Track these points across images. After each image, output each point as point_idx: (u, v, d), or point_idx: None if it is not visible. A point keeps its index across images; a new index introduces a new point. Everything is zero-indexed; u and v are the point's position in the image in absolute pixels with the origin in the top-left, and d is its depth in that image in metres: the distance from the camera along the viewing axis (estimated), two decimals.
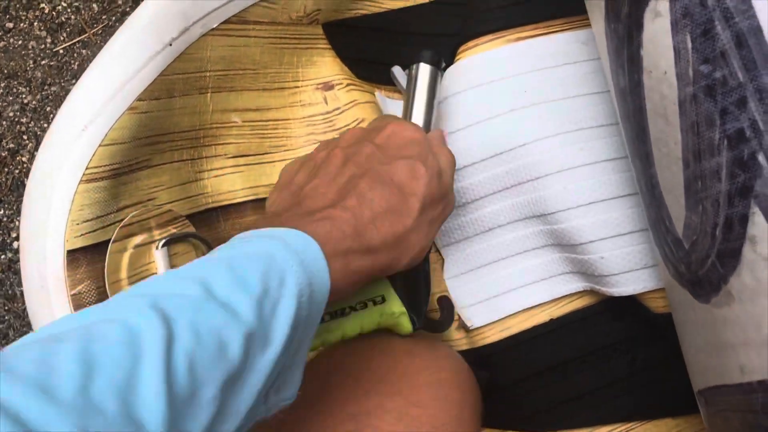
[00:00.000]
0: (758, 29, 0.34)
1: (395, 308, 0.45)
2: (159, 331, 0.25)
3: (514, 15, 0.56)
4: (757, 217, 0.35)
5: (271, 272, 0.30)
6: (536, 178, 0.53)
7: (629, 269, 0.52)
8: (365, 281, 0.38)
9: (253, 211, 0.54)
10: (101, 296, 0.44)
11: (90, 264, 0.43)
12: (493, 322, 0.56)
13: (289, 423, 0.41)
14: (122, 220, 0.45)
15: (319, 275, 0.33)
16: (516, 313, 0.56)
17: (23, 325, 0.75)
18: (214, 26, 0.50)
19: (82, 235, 0.43)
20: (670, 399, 0.54)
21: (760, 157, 0.34)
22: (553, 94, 0.55)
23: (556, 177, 0.53)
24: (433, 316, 0.54)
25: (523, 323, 0.56)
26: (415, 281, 0.47)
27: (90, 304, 0.44)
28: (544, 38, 0.56)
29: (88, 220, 0.43)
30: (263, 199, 0.54)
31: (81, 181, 0.43)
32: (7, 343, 0.75)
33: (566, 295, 0.56)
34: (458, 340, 0.55)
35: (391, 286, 0.45)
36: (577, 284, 0.55)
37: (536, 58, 0.56)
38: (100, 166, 0.43)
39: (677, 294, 0.44)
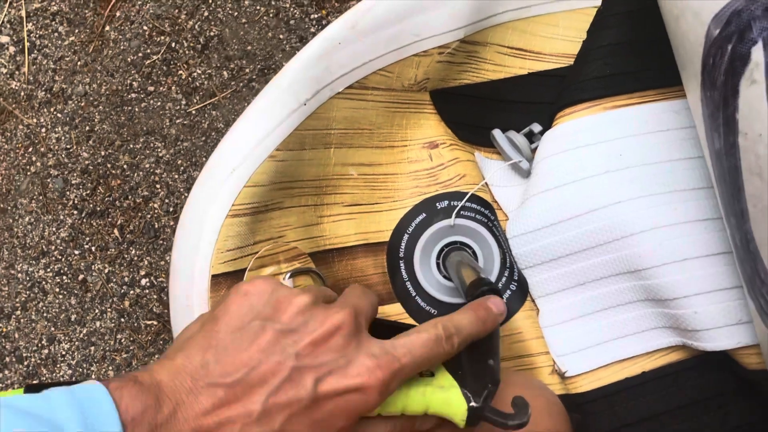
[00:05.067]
0: None
1: (444, 381, 0.38)
2: None
3: (611, 85, 0.60)
4: None
5: None
6: (631, 234, 0.56)
7: (723, 324, 0.54)
8: None
9: (363, 254, 0.59)
10: None
11: (229, 288, 0.49)
12: (587, 372, 0.58)
13: None
14: (257, 252, 0.51)
15: None
16: (609, 364, 0.58)
17: (146, 356, 0.82)
18: (340, 90, 0.57)
19: (225, 262, 0.49)
20: None
21: None
22: (647, 159, 0.58)
23: (651, 234, 0.56)
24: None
25: (616, 375, 0.58)
26: (479, 359, 0.40)
27: None
28: (639, 107, 0.60)
29: (230, 249, 0.49)
30: (372, 244, 0.59)
31: (227, 215, 0.49)
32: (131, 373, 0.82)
33: (659, 349, 0.58)
34: (552, 385, 0.57)
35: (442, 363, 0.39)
36: (669, 339, 0.57)
37: (631, 125, 0.60)
38: (244, 204, 0.50)
39: None
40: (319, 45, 0.55)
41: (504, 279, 0.59)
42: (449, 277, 0.59)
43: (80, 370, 0.82)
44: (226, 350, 0.33)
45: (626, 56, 0.61)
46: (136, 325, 0.83)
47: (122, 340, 0.82)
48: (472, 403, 0.37)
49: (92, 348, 0.82)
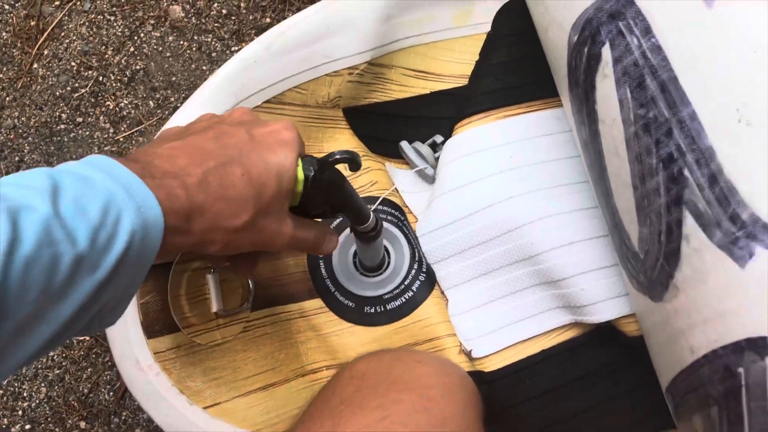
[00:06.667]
0: (674, 78, 0.45)
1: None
2: (4, 234, 0.29)
3: (501, 98, 0.68)
4: (688, 219, 0.45)
5: (110, 208, 0.33)
6: (523, 225, 0.63)
7: (606, 298, 0.61)
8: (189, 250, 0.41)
9: (285, 254, 0.63)
10: (164, 305, 0.53)
11: (156, 279, 0.53)
12: (493, 353, 0.64)
13: (327, 415, 0.49)
14: None
15: (154, 223, 0.35)
16: (512, 345, 0.64)
17: (78, 370, 0.82)
18: (258, 104, 0.62)
19: None
20: (652, 415, 0.61)
21: (686, 172, 0.44)
22: (534, 159, 0.66)
23: (540, 223, 0.63)
24: None
25: (519, 354, 0.64)
26: None
27: (155, 313, 0.53)
28: (526, 115, 0.68)
29: None
30: None
31: None
32: (63, 387, 0.81)
33: (555, 329, 0.64)
34: (462, 363, 0.62)
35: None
36: (563, 318, 0.64)
37: (519, 131, 0.67)
38: None
39: (640, 303, 0.53)
40: (237, 62, 0.61)
41: (413, 271, 0.65)
42: (365, 274, 0.64)
43: (11, 389, 0.82)
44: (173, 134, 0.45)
45: (513, 72, 0.69)
46: (68, 341, 0.84)
47: (54, 357, 0.83)
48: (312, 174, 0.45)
49: (24, 367, 0.83)
